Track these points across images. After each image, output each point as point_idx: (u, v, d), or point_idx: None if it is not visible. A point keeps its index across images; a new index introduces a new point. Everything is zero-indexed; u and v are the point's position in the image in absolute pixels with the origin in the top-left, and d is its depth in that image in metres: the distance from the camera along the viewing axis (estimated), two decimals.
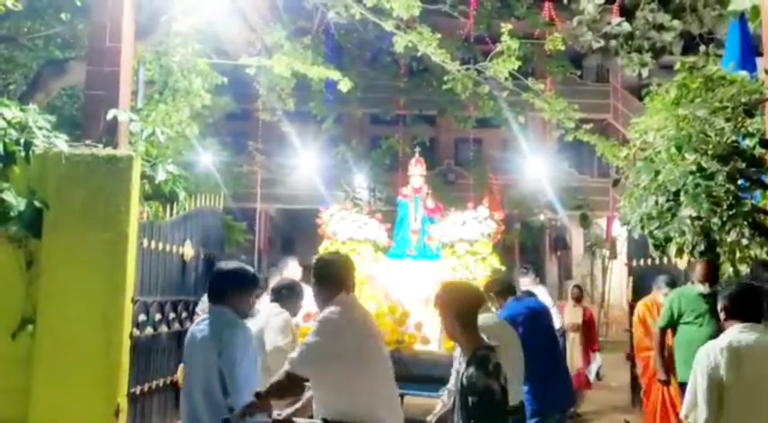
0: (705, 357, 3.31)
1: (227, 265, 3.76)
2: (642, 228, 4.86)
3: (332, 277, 3.38)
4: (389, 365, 3.38)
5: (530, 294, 5.56)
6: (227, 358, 3.33)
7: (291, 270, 6.38)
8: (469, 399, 2.96)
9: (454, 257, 6.93)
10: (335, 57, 13.00)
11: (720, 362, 3.24)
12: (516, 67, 9.51)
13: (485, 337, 3.17)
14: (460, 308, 3.15)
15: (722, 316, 3.45)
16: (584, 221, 18.95)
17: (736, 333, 3.31)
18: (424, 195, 7.86)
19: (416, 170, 7.97)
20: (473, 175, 19.58)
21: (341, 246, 7.00)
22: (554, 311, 7.04)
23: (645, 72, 8.01)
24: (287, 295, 4.88)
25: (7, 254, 4.60)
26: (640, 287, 7.05)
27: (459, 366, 3.34)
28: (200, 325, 3.55)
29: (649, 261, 6.82)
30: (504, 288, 4.91)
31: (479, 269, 6.78)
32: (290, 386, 3.23)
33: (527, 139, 16.26)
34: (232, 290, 3.53)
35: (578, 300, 9.04)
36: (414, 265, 7.34)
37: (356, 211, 7.47)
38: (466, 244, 6.92)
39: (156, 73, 7.25)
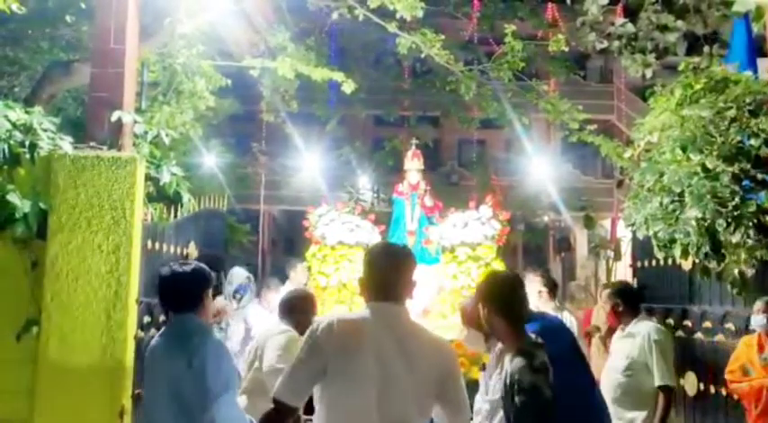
0: None
1: (181, 266, 3.29)
2: (647, 229, 4.85)
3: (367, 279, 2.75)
4: (393, 385, 2.52)
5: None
6: (199, 367, 2.93)
7: (299, 272, 6.36)
8: (516, 399, 2.62)
9: (455, 263, 6.37)
10: (339, 58, 13.02)
11: None
12: (520, 69, 9.51)
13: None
14: (502, 297, 2.84)
15: None
16: (588, 223, 18.83)
17: None
18: (421, 192, 7.15)
19: (413, 164, 7.24)
20: (476, 176, 19.58)
21: (329, 251, 6.46)
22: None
23: (649, 73, 8.00)
24: (301, 307, 4.43)
25: (12, 255, 4.61)
26: (644, 289, 7.03)
27: (490, 380, 3.04)
28: (160, 337, 3.14)
29: (654, 262, 6.80)
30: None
31: (482, 276, 6.38)
32: (278, 417, 2.59)
33: (531, 140, 16.25)
34: (196, 293, 3.14)
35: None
36: None
37: (347, 211, 6.80)
38: (467, 248, 6.35)
39: (161, 75, 7.27)
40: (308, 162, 17.42)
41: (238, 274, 6.45)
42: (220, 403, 2.94)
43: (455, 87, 10.16)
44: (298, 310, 4.41)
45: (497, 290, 2.90)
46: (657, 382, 4.51)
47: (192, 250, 6.09)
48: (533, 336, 2.82)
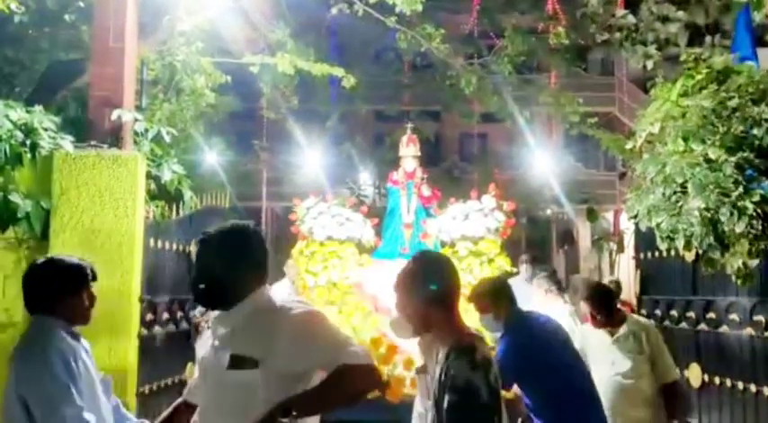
0: None
1: (40, 260, 2.92)
2: (649, 220, 4.83)
3: None
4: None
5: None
6: (26, 380, 2.59)
7: (290, 269, 6.14)
8: (446, 398, 2.24)
9: (455, 259, 5.64)
10: (339, 54, 13.00)
11: None
12: (520, 62, 9.49)
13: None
14: (440, 283, 2.41)
15: None
16: (591, 215, 18.88)
17: None
18: (418, 181, 6.53)
19: (409, 151, 6.61)
20: (478, 170, 19.56)
21: (318, 247, 5.91)
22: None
23: (650, 64, 7.97)
24: None
25: (15, 255, 4.61)
26: (648, 281, 7.01)
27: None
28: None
29: (657, 254, 6.79)
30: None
31: (486, 273, 5.64)
32: None
33: (532, 134, 16.22)
34: (55, 292, 2.80)
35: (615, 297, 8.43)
36: None
37: (336, 203, 6.15)
38: (469, 242, 5.78)
39: (161, 73, 7.26)
40: (310, 158, 17.42)
41: None
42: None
43: (455, 81, 10.15)
44: None
45: (433, 273, 2.44)
46: (668, 379, 4.37)
47: (194, 248, 6.09)
48: (470, 327, 2.46)
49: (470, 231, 5.85)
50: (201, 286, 2.36)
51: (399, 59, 15.77)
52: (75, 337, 2.86)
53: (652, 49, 7.83)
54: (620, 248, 18.45)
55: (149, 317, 5.16)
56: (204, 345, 2.46)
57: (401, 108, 18.43)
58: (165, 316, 5.47)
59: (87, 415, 2.62)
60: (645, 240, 6.06)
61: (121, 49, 5.30)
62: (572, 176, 19.72)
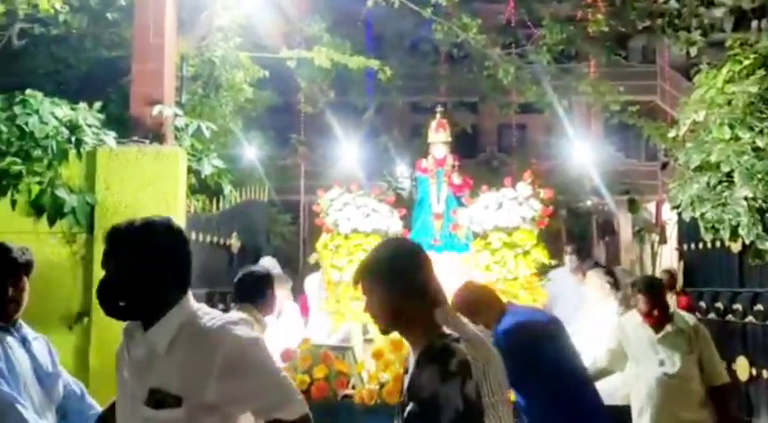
0: None
1: None
2: (693, 210, 4.73)
3: None
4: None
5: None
6: None
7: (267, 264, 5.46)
8: (407, 408, 1.94)
9: (487, 252, 5.39)
10: (375, 46, 13.00)
11: None
12: (559, 51, 9.35)
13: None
14: (409, 274, 2.07)
15: None
16: (632, 206, 18.59)
17: None
18: (448, 169, 6.11)
19: (438, 136, 6.21)
20: (517, 161, 19.39)
21: (343, 240, 5.53)
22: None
23: (693, 51, 7.76)
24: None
25: (62, 249, 4.75)
26: (691, 272, 6.87)
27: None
28: None
29: (701, 245, 6.64)
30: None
31: (521, 267, 5.31)
32: None
33: (572, 124, 16.00)
34: None
35: (670, 288, 8.07)
36: (438, 260, 5.43)
37: (361, 194, 5.79)
38: (502, 233, 5.37)
39: (200, 68, 7.36)
40: (347, 151, 17.49)
41: (264, 265, 5.58)
42: None
43: (493, 72, 10.05)
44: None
45: (407, 262, 2.10)
46: (717, 381, 4.16)
47: (235, 241, 6.17)
48: (445, 329, 2.11)
49: (504, 221, 5.40)
50: (110, 293, 2.01)
51: (436, 51, 15.67)
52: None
53: (696, 35, 7.63)
54: (663, 240, 18.15)
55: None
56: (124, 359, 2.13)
57: (438, 100, 18.34)
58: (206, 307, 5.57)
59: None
60: (688, 231, 5.93)
61: (161, 46, 5.38)
62: (612, 167, 19.40)
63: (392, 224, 5.75)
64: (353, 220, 5.55)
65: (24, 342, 2.75)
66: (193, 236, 5.29)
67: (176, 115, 5.47)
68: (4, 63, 6.75)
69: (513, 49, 11.14)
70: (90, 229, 4.75)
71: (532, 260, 5.31)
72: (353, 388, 4.63)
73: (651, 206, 20.45)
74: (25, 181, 4.65)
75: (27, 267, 2.77)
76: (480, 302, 3.41)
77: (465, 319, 2.57)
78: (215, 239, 5.75)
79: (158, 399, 1.91)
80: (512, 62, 9.90)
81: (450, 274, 5.14)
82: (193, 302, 2.05)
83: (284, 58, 8.54)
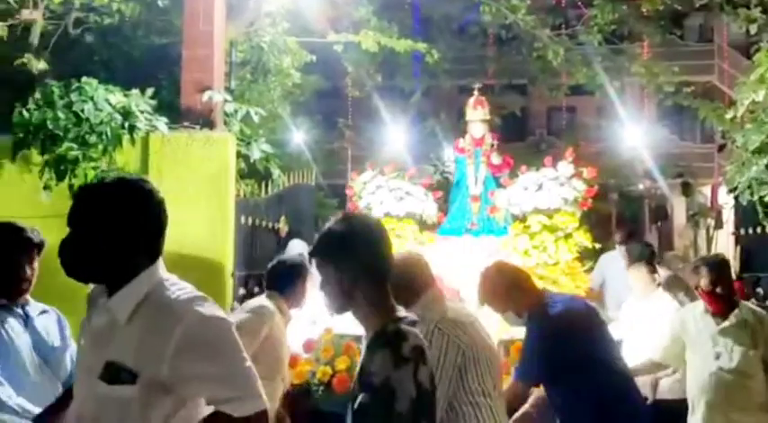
0: None
1: None
2: (751, 194, 4.58)
3: None
4: None
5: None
6: None
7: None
8: (358, 398, 1.81)
9: (526, 235, 5.07)
10: (422, 29, 12.90)
11: None
12: (610, 31, 9.11)
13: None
14: (362, 253, 1.91)
15: None
16: (687, 190, 18.09)
17: None
18: (487, 148, 5.77)
19: (476, 114, 5.91)
20: (566, 144, 19.05)
21: None
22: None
23: (753, 28, 7.46)
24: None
25: None
26: (749, 258, 6.66)
27: None
28: None
29: (759, 229, 6.43)
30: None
31: (562, 251, 5.03)
32: None
33: (624, 106, 15.61)
34: None
35: None
36: (476, 245, 5.39)
37: (395, 176, 5.50)
38: (542, 216, 5.05)
39: (248, 54, 7.44)
40: (394, 136, 17.45)
41: (292, 248, 5.41)
42: None
43: (542, 53, 9.87)
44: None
45: (356, 240, 1.93)
46: None
47: (283, 225, 6.25)
48: (402, 312, 1.95)
49: (544, 203, 5.06)
50: (70, 252, 1.83)
51: (484, 33, 15.45)
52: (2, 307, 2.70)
53: (756, 12, 7.32)
54: (719, 224, 17.62)
55: (241, 291, 5.36)
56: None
57: (486, 82, 18.12)
58: (256, 290, 5.67)
59: None
60: (746, 215, 5.75)
61: (211, 33, 5.46)
62: (666, 149, 18.89)
63: (427, 207, 5.52)
64: (386, 204, 5.36)
65: (27, 319, 2.74)
66: (242, 220, 5.39)
67: (225, 101, 5.55)
68: (61, 52, 6.95)
69: (563, 29, 10.90)
70: None
71: (574, 244, 5.06)
72: None
73: (706, 190, 19.86)
74: (82, 166, 4.79)
75: (40, 247, 2.76)
76: (514, 288, 3.19)
77: (458, 304, 2.60)
78: (263, 223, 5.84)
79: (113, 373, 1.75)
80: (561, 43, 9.69)
81: (487, 259, 4.70)
82: (163, 272, 1.89)
83: (331, 42, 8.56)
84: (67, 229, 1.85)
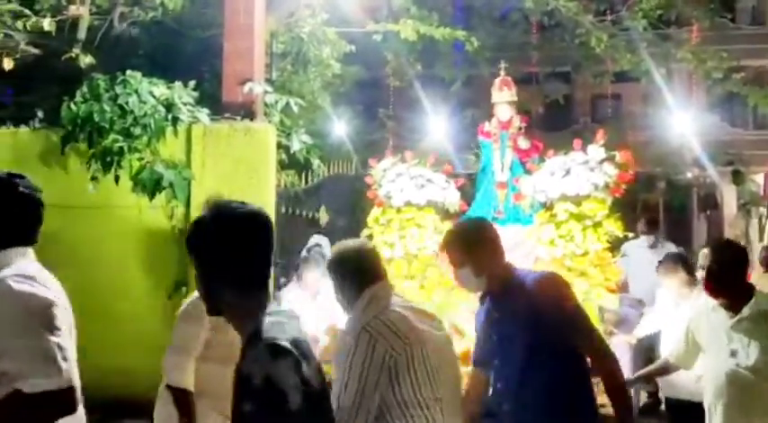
0: None
1: None
2: None
3: None
4: None
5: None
6: None
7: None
8: (243, 410, 1.54)
9: (552, 224, 4.69)
10: (463, 17, 12.78)
11: None
12: (656, 16, 8.86)
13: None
14: (223, 252, 1.65)
15: None
16: (737, 178, 17.55)
17: None
18: (514, 132, 5.37)
19: (502, 96, 5.44)
20: (611, 132, 18.66)
21: (395, 214, 5.01)
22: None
23: None
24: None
25: (162, 222, 5.01)
26: None
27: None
28: None
29: None
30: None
31: (590, 241, 4.62)
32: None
33: (671, 92, 15.21)
34: None
35: None
36: (502, 235, 4.75)
37: (416, 163, 5.25)
38: (569, 203, 4.66)
39: (288, 45, 7.49)
40: (434, 125, 17.36)
41: (311, 241, 5.27)
42: None
43: (585, 40, 9.67)
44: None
45: (218, 238, 1.66)
46: None
47: (323, 215, 6.31)
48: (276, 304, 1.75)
49: (572, 189, 4.66)
50: None
51: (526, 20, 15.20)
52: None
53: None
54: None
55: (282, 280, 5.43)
56: None
57: (528, 70, 17.86)
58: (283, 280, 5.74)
59: None
60: None
61: (251, 26, 5.51)
62: (716, 136, 18.36)
63: (448, 195, 5.22)
64: (407, 192, 5.06)
65: None
66: (283, 209, 5.45)
67: (266, 92, 5.61)
68: (107, 46, 7.12)
69: (608, 15, 10.66)
70: (187, 202, 4.98)
71: (604, 233, 4.65)
72: None
73: (759, 178, 19.23)
74: (127, 157, 4.93)
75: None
76: (482, 243, 2.76)
77: (409, 302, 2.38)
78: (303, 213, 5.90)
79: None
80: (605, 29, 9.48)
81: (513, 250, 4.34)
82: (13, 257, 1.95)
83: (371, 32, 8.55)
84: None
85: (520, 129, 5.38)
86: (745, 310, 3.18)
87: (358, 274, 2.45)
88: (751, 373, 3.12)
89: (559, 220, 4.67)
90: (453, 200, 5.24)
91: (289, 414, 1.50)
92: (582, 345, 2.64)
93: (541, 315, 2.56)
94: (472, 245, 2.73)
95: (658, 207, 18.65)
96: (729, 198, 20.56)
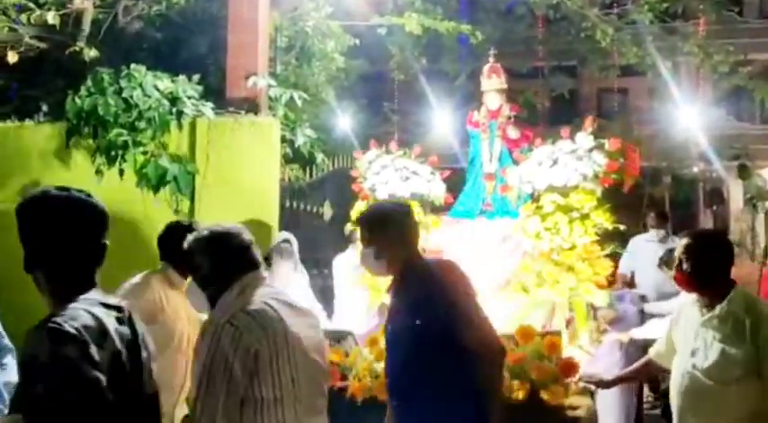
0: None
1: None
2: None
3: None
4: None
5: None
6: None
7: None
8: (22, 389, 1.52)
9: (538, 217, 4.50)
10: (468, 11, 12.73)
11: None
12: (662, 9, 8.82)
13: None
14: (31, 226, 1.69)
15: None
16: (744, 172, 17.43)
17: None
18: (503, 121, 5.17)
19: (491, 84, 5.30)
20: (617, 126, 18.59)
21: None
22: None
23: None
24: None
25: (167, 216, 5.01)
26: None
27: None
28: None
29: None
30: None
31: (577, 234, 4.42)
32: None
33: (677, 86, 15.14)
34: None
35: None
36: (489, 228, 4.91)
37: (401, 154, 5.08)
38: (556, 194, 4.47)
39: (293, 39, 7.48)
40: (439, 119, 17.30)
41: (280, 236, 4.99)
42: None
43: (591, 33, 9.63)
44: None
45: (36, 213, 1.69)
46: None
47: (327, 209, 6.31)
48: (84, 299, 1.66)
49: (560, 179, 4.47)
50: None
51: (531, 13, 15.14)
52: None
53: None
54: None
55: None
56: None
57: (534, 64, 17.79)
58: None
59: None
60: None
61: (255, 19, 5.50)
62: (722, 131, 18.29)
63: (433, 188, 5.09)
64: (391, 185, 4.93)
65: None
66: (287, 204, 5.45)
67: (270, 86, 5.60)
68: (111, 39, 7.11)
69: (614, 8, 10.61)
70: (192, 196, 4.99)
71: (592, 225, 4.44)
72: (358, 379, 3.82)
73: (765, 172, 19.13)
74: (131, 151, 4.92)
75: None
76: (398, 225, 2.69)
77: (283, 294, 2.31)
78: (307, 207, 5.90)
79: None
80: (611, 23, 9.44)
81: (501, 244, 4.63)
82: None
83: (375, 25, 8.53)
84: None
85: (509, 118, 5.20)
86: (718, 308, 2.90)
87: (232, 261, 2.37)
88: (703, 376, 2.85)
89: (545, 211, 4.51)
90: (438, 192, 5.12)
91: (62, 398, 1.44)
92: (462, 335, 2.55)
93: (425, 301, 2.55)
94: (376, 227, 2.70)
95: (664, 201, 18.60)
96: (736, 193, 20.47)
